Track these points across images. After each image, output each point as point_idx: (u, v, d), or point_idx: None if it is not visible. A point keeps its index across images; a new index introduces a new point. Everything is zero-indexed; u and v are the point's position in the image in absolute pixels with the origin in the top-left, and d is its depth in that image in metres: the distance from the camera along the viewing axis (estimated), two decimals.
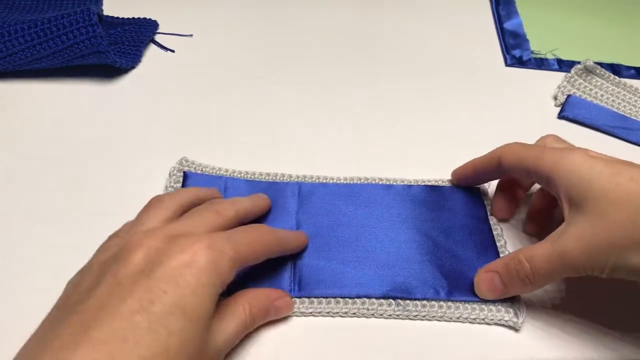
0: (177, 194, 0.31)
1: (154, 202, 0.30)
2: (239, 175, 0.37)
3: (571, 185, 0.28)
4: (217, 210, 0.29)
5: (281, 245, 0.30)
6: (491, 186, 0.38)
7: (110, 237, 0.28)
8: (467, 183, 0.37)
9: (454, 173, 0.37)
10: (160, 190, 0.36)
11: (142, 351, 0.21)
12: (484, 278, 0.31)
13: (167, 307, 0.22)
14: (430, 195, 0.37)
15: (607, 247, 0.26)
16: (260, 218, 0.34)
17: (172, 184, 0.36)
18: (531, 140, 0.35)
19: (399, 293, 0.31)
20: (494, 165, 0.33)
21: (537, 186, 0.37)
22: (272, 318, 0.29)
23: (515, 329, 0.30)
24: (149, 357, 0.21)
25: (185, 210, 0.30)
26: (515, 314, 0.30)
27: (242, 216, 0.31)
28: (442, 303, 0.31)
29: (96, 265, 0.25)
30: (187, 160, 0.37)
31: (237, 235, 0.27)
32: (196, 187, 0.34)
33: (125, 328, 0.21)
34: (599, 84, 0.48)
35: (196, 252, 0.24)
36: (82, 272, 0.26)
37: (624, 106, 0.47)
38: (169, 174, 0.37)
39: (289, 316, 0.30)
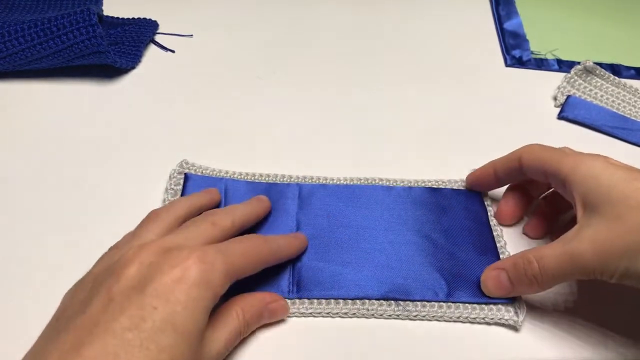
0: (173, 205, 0.31)
1: (152, 216, 0.30)
2: (239, 177, 0.37)
3: (589, 190, 0.28)
4: (213, 222, 0.29)
5: (276, 255, 0.30)
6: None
7: (110, 249, 0.29)
8: (484, 186, 0.37)
9: (470, 177, 0.37)
10: (160, 191, 0.36)
11: None
12: (491, 275, 0.31)
13: (157, 324, 0.22)
14: (431, 197, 0.37)
15: (621, 250, 0.25)
16: (261, 220, 0.34)
17: (172, 186, 0.36)
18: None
19: (398, 295, 0.31)
20: (515, 166, 0.33)
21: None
22: (267, 321, 0.29)
23: (515, 328, 0.30)
24: None
25: (182, 221, 0.30)
26: (516, 312, 0.30)
27: (239, 225, 0.31)
28: (441, 303, 0.31)
29: (91, 278, 0.26)
30: (187, 163, 0.37)
31: (230, 247, 0.27)
32: (194, 193, 0.34)
33: (117, 345, 0.21)
34: (598, 84, 0.48)
35: (187, 266, 0.24)
36: (78, 285, 0.26)
37: (624, 107, 0.47)
38: (170, 176, 0.37)
39: (289, 317, 0.30)
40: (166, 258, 0.25)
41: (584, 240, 0.27)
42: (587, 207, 0.28)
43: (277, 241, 0.31)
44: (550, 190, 0.36)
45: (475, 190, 0.37)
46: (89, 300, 0.24)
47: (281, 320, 0.30)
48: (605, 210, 0.27)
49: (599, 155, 0.30)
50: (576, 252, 0.27)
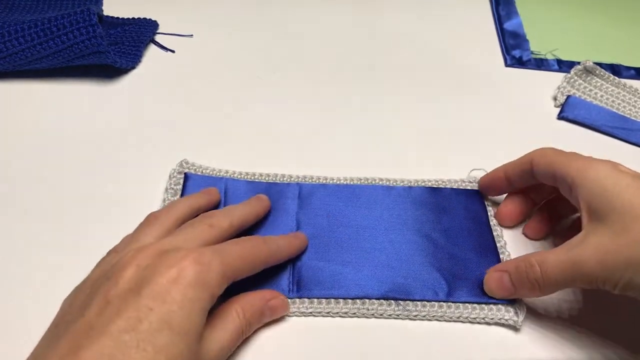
0: (172, 208, 0.31)
1: (151, 219, 0.30)
2: (239, 177, 0.37)
3: (594, 195, 0.28)
4: (210, 223, 0.29)
5: (275, 256, 0.30)
6: None
7: (109, 253, 0.29)
8: (496, 190, 0.37)
9: (481, 181, 0.37)
10: (160, 190, 0.36)
11: None
12: (494, 276, 0.31)
13: (154, 325, 0.22)
14: (431, 197, 0.37)
15: (625, 262, 0.25)
16: (261, 219, 0.34)
17: (172, 185, 0.36)
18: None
19: (398, 294, 0.31)
20: (527, 169, 0.33)
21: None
22: (268, 319, 0.29)
23: (515, 327, 0.30)
24: None
25: (181, 223, 0.30)
26: (516, 312, 0.30)
27: (237, 226, 0.31)
28: (442, 303, 0.31)
29: (89, 283, 0.26)
30: (187, 162, 0.37)
31: (228, 248, 0.27)
32: (193, 194, 0.34)
33: (114, 347, 0.22)
34: (598, 84, 0.48)
35: (183, 267, 0.24)
36: (76, 290, 0.26)
37: (624, 107, 0.47)
38: (169, 175, 0.37)
39: (289, 316, 0.30)
40: (163, 260, 0.25)
41: (588, 248, 0.26)
42: (592, 214, 0.28)
43: (277, 242, 0.31)
44: (553, 195, 0.35)
45: (483, 193, 0.37)
46: (87, 305, 0.24)
47: (282, 320, 0.30)
48: (611, 218, 0.26)
49: (608, 161, 0.29)
50: (579, 260, 0.26)
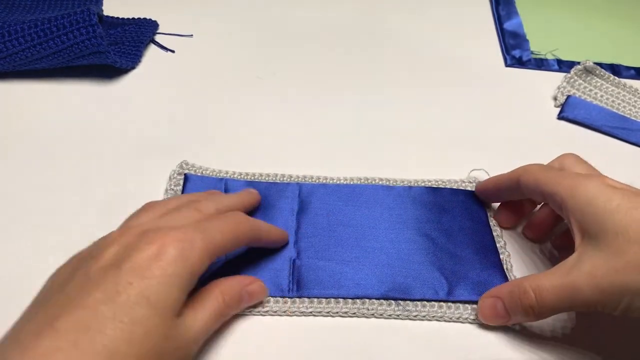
0: (171, 200, 0.31)
1: (146, 206, 0.30)
2: (239, 177, 0.37)
3: (585, 216, 0.27)
4: (197, 208, 0.29)
5: (256, 232, 0.30)
6: None
7: (101, 238, 0.29)
8: (490, 199, 0.37)
9: (478, 187, 0.37)
10: (160, 191, 0.36)
11: (105, 339, 0.21)
12: (487, 304, 0.30)
13: (132, 298, 0.23)
14: (431, 197, 0.37)
15: (622, 286, 0.24)
16: (260, 219, 0.34)
17: (172, 186, 0.36)
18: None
19: (398, 293, 0.31)
20: (514, 185, 0.33)
21: None
22: (246, 304, 0.30)
23: (514, 328, 0.30)
24: (111, 344, 0.21)
25: None
26: None
27: (223, 212, 0.30)
28: (441, 303, 0.31)
29: (74, 261, 0.26)
30: (187, 164, 0.37)
31: (209, 224, 0.27)
32: (195, 192, 0.34)
33: (90, 318, 0.22)
34: (598, 84, 0.48)
35: (164, 244, 0.24)
36: (60, 268, 0.27)
37: (624, 107, 0.47)
38: (169, 177, 0.37)
39: (289, 316, 0.30)
40: (144, 237, 0.25)
41: (583, 274, 0.26)
42: (584, 235, 0.27)
43: (259, 223, 0.31)
44: None
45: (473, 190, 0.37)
46: (68, 281, 0.24)
47: (282, 320, 0.30)
48: (605, 241, 0.26)
49: (596, 176, 0.29)
50: (575, 286, 0.26)
